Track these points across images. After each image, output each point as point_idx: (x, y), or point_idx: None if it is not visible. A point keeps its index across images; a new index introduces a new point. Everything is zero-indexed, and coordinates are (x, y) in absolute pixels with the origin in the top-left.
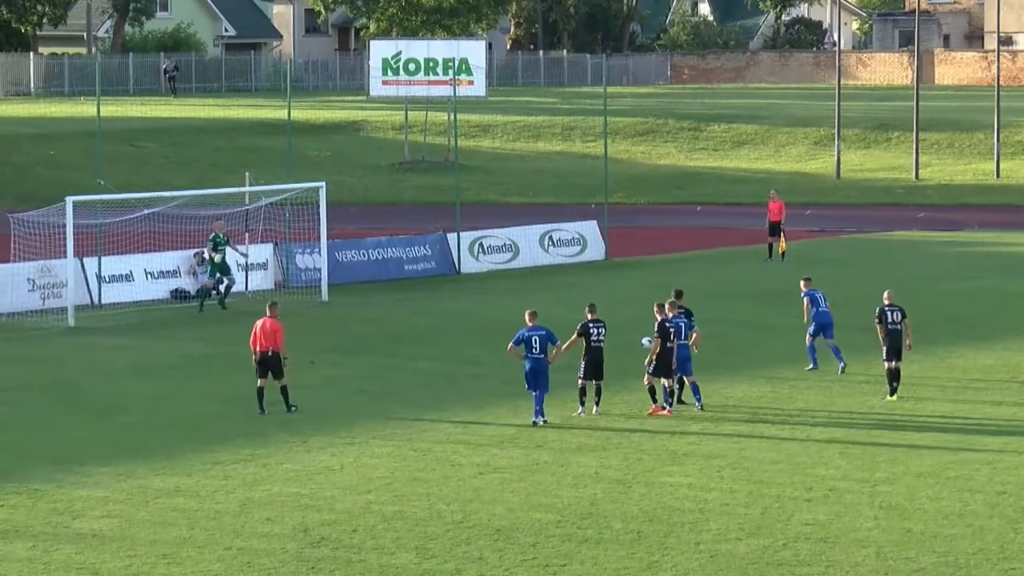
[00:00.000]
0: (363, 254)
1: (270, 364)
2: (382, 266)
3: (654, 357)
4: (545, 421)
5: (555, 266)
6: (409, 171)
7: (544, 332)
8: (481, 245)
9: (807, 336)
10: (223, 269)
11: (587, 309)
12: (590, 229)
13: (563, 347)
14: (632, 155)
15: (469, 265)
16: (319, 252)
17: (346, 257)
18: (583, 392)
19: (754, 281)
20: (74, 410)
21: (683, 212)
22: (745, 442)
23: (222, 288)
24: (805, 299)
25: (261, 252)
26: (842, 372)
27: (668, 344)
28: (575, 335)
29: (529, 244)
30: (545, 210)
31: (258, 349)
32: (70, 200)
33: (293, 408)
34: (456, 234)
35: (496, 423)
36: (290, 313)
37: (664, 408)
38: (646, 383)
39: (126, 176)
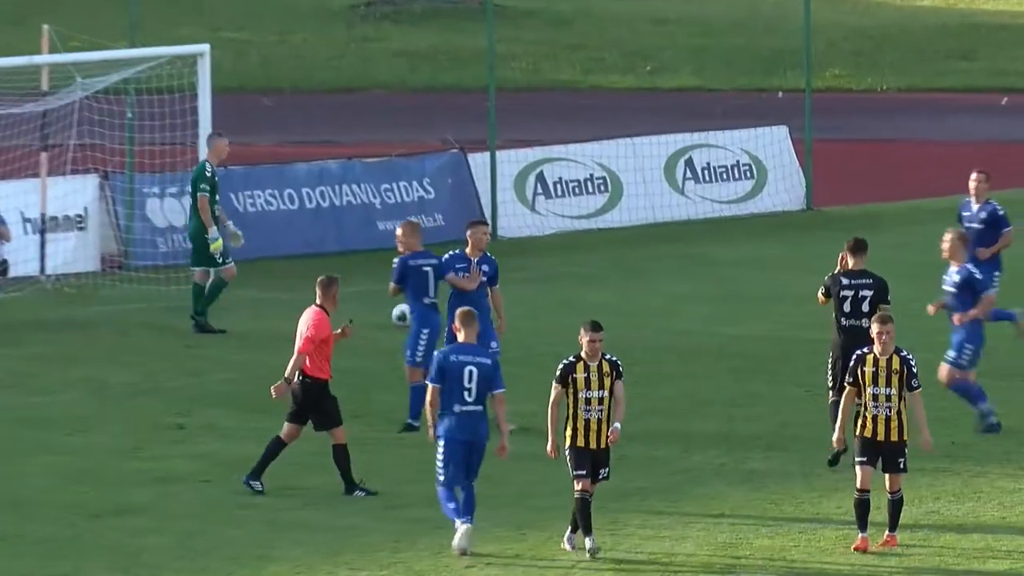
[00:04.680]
0: (290, 198)
1: (307, 399)
2: (331, 223)
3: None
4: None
5: (698, 222)
6: (386, 21)
7: (490, 361)
8: (541, 178)
9: None
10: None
11: (583, 329)
12: (772, 144)
13: (551, 407)
14: None
15: (512, 218)
16: None
17: (255, 204)
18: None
19: None
20: None
21: (971, 106)
22: None
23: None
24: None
25: (76, 193)
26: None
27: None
28: (554, 385)
29: (642, 176)
30: (676, 102)
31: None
32: None
33: (361, 492)
34: (488, 155)
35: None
36: (140, 325)
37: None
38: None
39: None
